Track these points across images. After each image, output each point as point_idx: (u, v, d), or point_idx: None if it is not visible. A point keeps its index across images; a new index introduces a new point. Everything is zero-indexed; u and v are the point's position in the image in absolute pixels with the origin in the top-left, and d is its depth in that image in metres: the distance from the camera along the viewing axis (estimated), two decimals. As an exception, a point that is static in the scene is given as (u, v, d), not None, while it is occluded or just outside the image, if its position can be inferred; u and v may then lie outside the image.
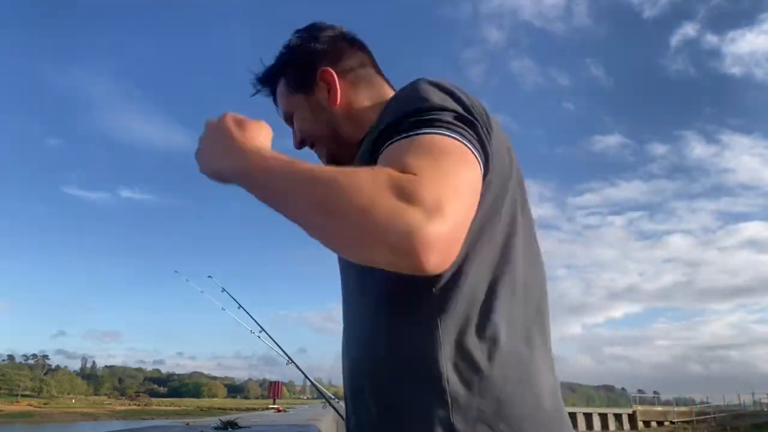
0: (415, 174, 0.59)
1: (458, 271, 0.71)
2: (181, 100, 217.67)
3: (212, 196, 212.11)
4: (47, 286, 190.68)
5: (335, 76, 0.93)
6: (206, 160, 0.78)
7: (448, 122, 0.67)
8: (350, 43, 0.99)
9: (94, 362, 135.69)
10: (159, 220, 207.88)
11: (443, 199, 0.57)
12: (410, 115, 0.69)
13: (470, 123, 0.69)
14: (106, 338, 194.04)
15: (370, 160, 0.72)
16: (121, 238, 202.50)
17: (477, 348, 0.69)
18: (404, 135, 0.67)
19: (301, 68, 0.96)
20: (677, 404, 35.79)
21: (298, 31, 0.99)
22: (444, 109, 0.69)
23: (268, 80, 1.01)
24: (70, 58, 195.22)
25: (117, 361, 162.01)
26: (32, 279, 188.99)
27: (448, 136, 0.66)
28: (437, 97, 0.71)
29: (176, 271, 4.08)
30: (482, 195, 0.69)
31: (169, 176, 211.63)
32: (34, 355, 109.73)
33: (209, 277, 3.90)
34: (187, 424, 3.98)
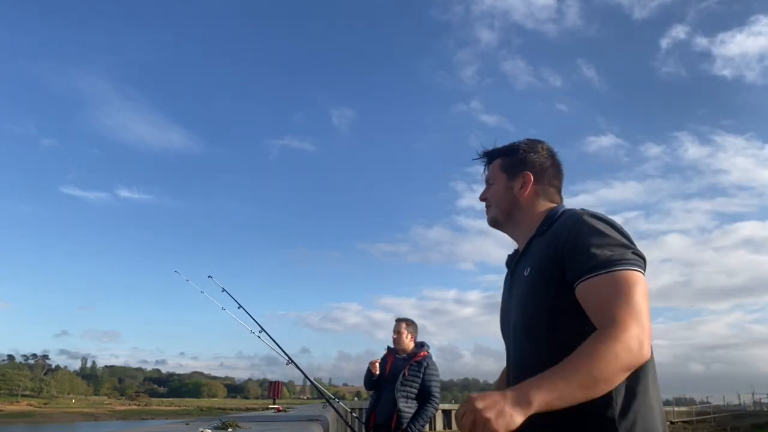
0: (616, 315, 1.00)
1: None
2: (179, 100, 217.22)
3: (212, 196, 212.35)
4: (47, 286, 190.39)
5: (532, 180, 1.38)
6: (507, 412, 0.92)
7: (631, 259, 1.09)
8: (554, 165, 1.41)
9: (94, 362, 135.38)
10: (158, 220, 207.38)
11: (636, 322, 0.99)
12: (600, 246, 1.10)
13: (639, 255, 1.11)
14: (105, 338, 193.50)
15: (550, 263, 1.18)
16: (120, 238, 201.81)
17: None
18: (603, 271, 1.07)
19: (514, 162, 1.41)
20: (677, 404, 35.73)
21: (529, 140, 1.44)
22: (624, 246, 1.11)
23: (490, 155, 1.47)
24: (65, 57, 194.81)
25: (119, 360, 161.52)
26: (32, 279, 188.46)
27: (634, 270, 1.07)
28: (615, 233, 1.13)
29: (176, 271, 4.07)
30: None
31: (167, 176, 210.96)
32: (34, 355, 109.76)
33: (209, 277, 3.90)
34: (187, 423, 3.97)
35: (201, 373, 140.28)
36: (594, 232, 1.13)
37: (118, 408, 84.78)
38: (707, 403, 37.10)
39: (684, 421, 30.36)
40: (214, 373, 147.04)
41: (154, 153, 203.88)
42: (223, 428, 3.18)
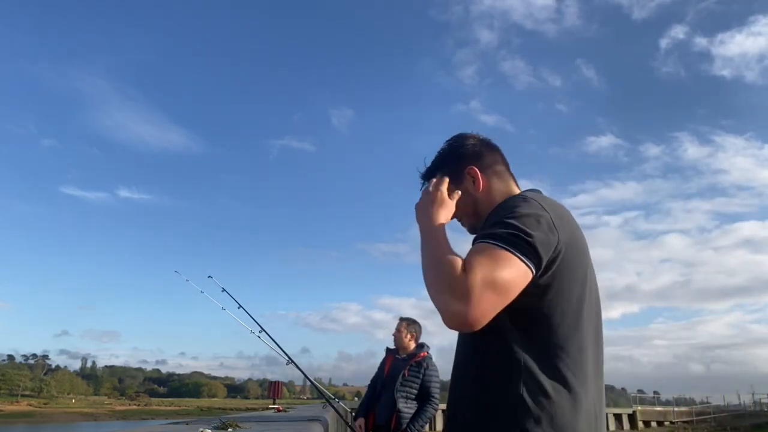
0: (467, 270, 1.03)
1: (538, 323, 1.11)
2: (178, 100, 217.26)
3: (212, 196, 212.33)
4: (47, 286, 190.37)
5: (478, 171, 1.34)
6: (417, 210, 1.28)
7: (510, 239, 1.06)
8: (487, 146, 1.39)
9: (94, 362, 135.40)
10: (158, 220, 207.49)
11: (472, 290, 1.00)
12: (496, 225, 1.10)
13: (526, 242, 1.06)
14: (105, 338, 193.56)
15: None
16: (120, 238, 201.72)
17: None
18: (482, 240, 1.09)
19: (452, 167, 1.36)
20: (677, 404, 35.71)
21: (450, 139, 1.42)
22: (516, 229, 1.07)
23: (427, 175, 1.44)
24: (65, 57, 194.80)
25: (120, 360, 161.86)
26: (32, 279, 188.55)
27: (503, 248, 1.05)
28: (518, 217, 1.10)
29: (176, 271, 4.07)
30: (549, 286, 1.10)
31: (167, 176, 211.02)
32: (34, 355, 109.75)
33: (209, 277, 3.89)
34: (187, 423, 3.98)
35: (201, 373, 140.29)
36: (502, 210, 1.16)
37: (118, 408, 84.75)
38: (707, 403, 37.03)
39: (684, 421, 30.36)
40: (214, 373, 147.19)
41: (154, 153, 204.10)
42: (223, 428, 3.19)
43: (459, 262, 1.05)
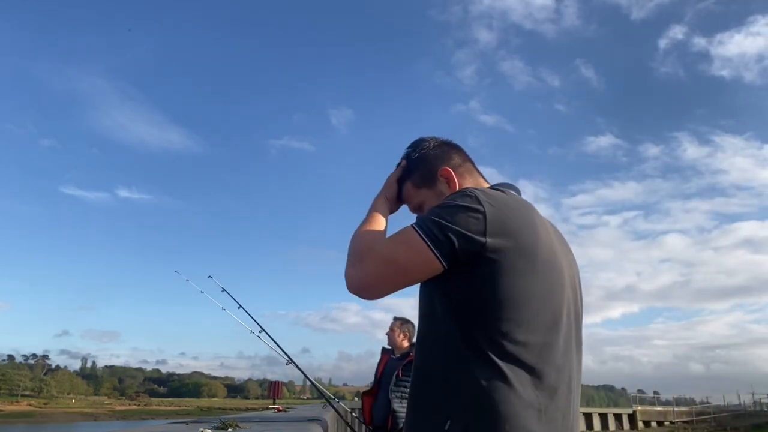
0: (377, 243, 1.16)
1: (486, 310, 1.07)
2: (178, 100, 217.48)
3: (212, 196, 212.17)
4: (48, 286, 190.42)
5: (452, 172, 1.32)
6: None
7: (425, 226, 1.09)
8: (449, 145, 1.38)
9: (94, 362, 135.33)
10: (158, 220, 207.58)
11: (370, 259, 1.12)
12: (427, 213, 1.12)
13: (441, 231, 1.07)
14: (105, 338, 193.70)
15: None
16: (120, 238, 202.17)
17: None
18: (414, 223, 1.12)
19: (422, 172, 1.35)
20: (677, 404, 35.71)
21: (412, 145, 1.40)
22: (437, 216, 1.09)
23: (401, 182, 1.42)
24: (65, 57, 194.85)
25: (120, 360, 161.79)
26: (32, 279, 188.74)
27: (416, 232, 1.08)
28: (445, 207, 1.11)
29: (176, 271, 4.07)
30: (479, 278, 1.07)
31: (167, 176, 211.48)
32: (34, 355, 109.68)
33: (209, 277, 3.89)
34: (187, 423, 3.97)
35: (201, 373, 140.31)
36: (442, 201, 1.18)
37: (118, 408, 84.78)
38: (707, 403, 37.01)
39: (684, 421, 30.36)
40: (214, 373, 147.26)
41: (154, 153, 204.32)
42: (223, 428, 3.19)
43: (375, 236, 1.19)
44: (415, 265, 1.08)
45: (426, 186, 1.34)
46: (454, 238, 1.06)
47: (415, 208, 1.39)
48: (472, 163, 1.38)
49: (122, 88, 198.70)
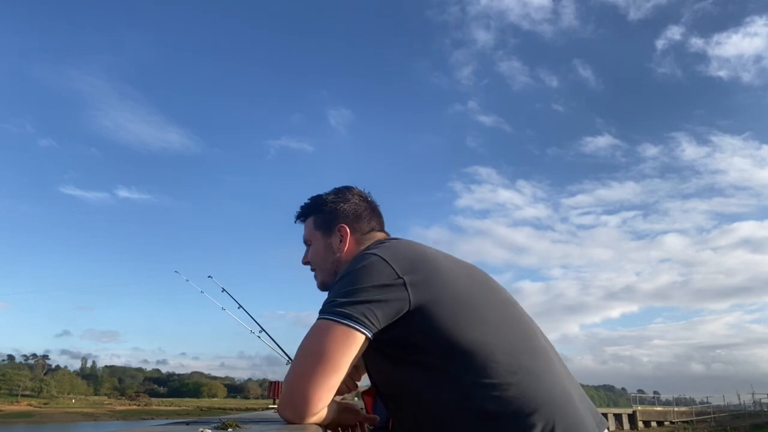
0: (293, 369, 1.04)
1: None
2: (177, 100, 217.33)
3: (211, 196, 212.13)
4: (48, 286, 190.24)
5: (348, 233, 1.33)
6: None
7: (338, 309, 1.04)
8: (369, 208, 1.38)
9: (94, 362, 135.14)
10: (158, 220, 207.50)
11: (296, 396, 1.03)
12: (331, 296, 1.09)
13: (350, 309, 1.04)
14: (105, 338, 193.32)
15: None
16: (120, 238, 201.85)
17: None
18: (320, 316, 1.07)
19: (326, 217, 1.36)
20: (677, 404, 35.71)
21: (336, 189, 1.41)
22: (339, 295, 1.07)
23: (303, 214, 1.42)
24: (64, 57, 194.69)
25: (120, 360, 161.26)
26: (33, 279, 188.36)
27: (331, 319, 1.04)
28: (350, 281, 1.08)
29: (176, 271, 4.09)
30: (425, 321, 1.07)
31: (167, 176, 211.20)
32: (35, 355, 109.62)
33: (209, 277, 3.91)
34: (187, 423, 3.97)
35: (201, 373, 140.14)
36: (341, 277, 1.14)
37: (118, 408, 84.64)
38: (707, 403, 36.99)
39: (684, 421, 30.32)
40: (214, 373, 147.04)
41: (153, 153, 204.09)
42: (223, 428, 3.19)
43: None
44: (343, 353, 1.03)
45: (321, 231, 1.36)
46: (376, 311, 1.05)
47: (305, 241, 1.42)
48: (380, 228, 1.39)
49: (121, 88, 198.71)
